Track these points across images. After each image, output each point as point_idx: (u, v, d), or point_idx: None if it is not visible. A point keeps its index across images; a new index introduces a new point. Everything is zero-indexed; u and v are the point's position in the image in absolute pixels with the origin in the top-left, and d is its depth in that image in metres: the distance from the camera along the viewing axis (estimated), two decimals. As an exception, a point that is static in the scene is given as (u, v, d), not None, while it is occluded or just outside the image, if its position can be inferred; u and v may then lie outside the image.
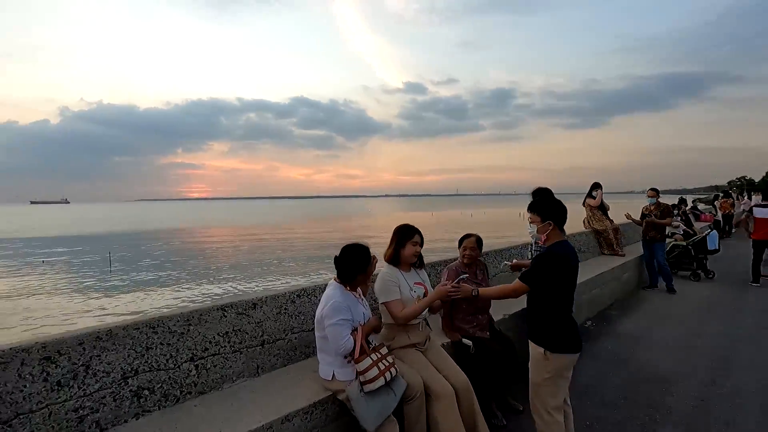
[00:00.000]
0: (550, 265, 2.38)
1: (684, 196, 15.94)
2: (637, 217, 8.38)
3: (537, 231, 2.53)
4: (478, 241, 3.76)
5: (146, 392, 2.44)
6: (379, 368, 2.52)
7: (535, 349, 2.48)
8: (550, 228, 2.50)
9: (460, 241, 3.81)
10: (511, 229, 39.79)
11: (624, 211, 9.23)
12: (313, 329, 3.28)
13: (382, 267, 3.15)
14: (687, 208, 14.97)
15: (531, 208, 2.59)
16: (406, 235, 3.10)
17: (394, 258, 3.09)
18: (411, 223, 3.19)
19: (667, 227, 8.21)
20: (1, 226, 57.72)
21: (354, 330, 2.61)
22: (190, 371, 2.63)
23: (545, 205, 2.56)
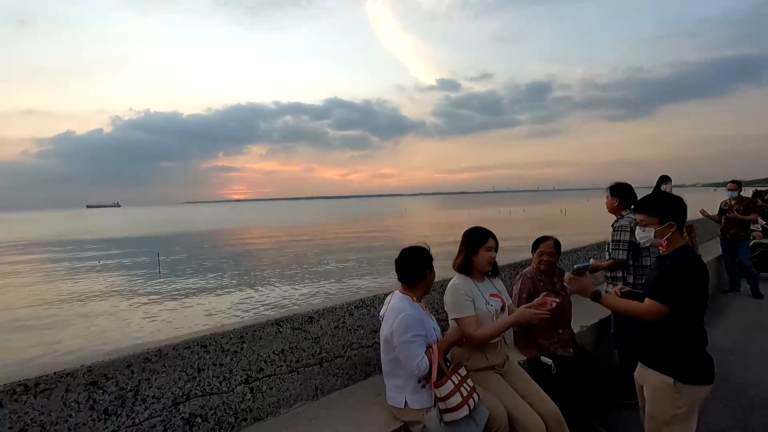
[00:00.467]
0: (693, 278, 1.91)
1: (758, 189, 14.48)
2: (715, 213, 7.53)
3: (654, 235, 2.06)
4: (557, 244, 3.31)
5: (199, 419, 2.19)
6: (461, 394, 2.14)
7: (659, 379, 2.02)
8: (672, 230, 2.03)
9: (535, 245, 3.37)
10: (559, 227, 38.18)
11: (698, 207, 8.35)
12: (373, 345, 2.96)
13: (447, 275, 2.77)
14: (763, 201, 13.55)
15: (644, 208, 2.12)
16: (478, 239, 2.69)
17: (465, 266, 2.69)
18: (483, 226, 2.78)
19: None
20: (63, 229, 61.95)
21: (428, 348, 2.26)
22: (245, 395, 2.37)
23: (664, 203, 2.08)
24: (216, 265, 21.68)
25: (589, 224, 39.45)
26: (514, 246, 9.92)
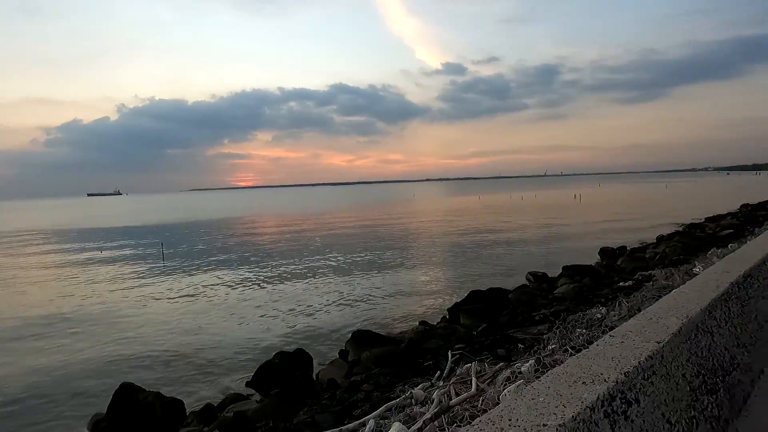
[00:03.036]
0: None
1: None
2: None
3: None
4: None
5: None
6: None
7: None
8: None
9: None
10: (578, 213, 36.80)
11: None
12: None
13: None
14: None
15: None
16: None
17: None
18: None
19: None
20: (64, 219, 61.58)
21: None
22: None
23: None
24: (214, 256, 20.79)
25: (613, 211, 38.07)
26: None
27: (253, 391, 6.66)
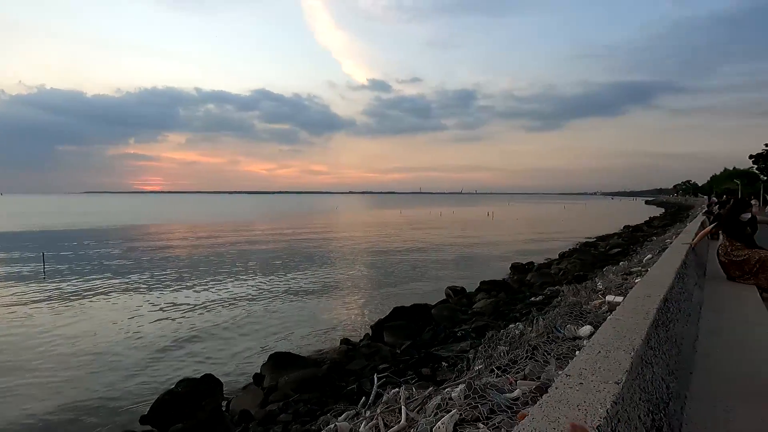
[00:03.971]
0: None
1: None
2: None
3: None
4: None
5: None
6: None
7: None
8: None
9: None
10: (487, 230, 39.24)
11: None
12: None
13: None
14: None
15: None
16: None
17: None
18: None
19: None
20: None
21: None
22: None
23: None
24: (101, 271, 18.46)
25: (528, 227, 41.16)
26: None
27: (150, 428, 5.77)
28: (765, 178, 51.11)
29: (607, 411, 1.22)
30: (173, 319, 11.12)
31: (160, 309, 12.10)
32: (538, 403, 1.35)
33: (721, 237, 6.49)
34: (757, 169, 55.43)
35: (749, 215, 6.43)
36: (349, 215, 68.06)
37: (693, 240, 6.51)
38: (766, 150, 51.32)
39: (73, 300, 13.15)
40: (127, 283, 15.59)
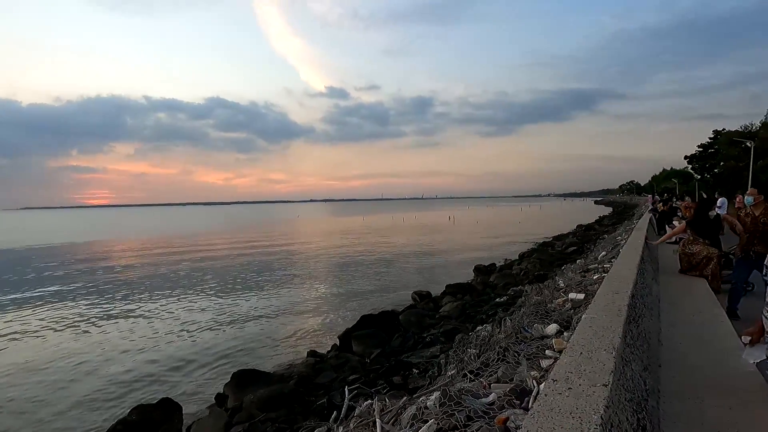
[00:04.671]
0: None
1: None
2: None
3: None
4: None
5: None
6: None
7: None
8: None
9: None
10: (452, 233, 39.88)
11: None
12: None
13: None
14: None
15: None
16: None
17: None
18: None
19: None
20: None
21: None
22: None
23: None
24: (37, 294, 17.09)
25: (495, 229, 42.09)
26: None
27: (99, 463, 5.29)
28: (698, 176, 55.46)
29: (600, 417, 1.16)
30: (123, 340, 10.39)
31: (111, 331, 11.27)
32: (529, 413, 1.28)
33: (687, 232, 6.91)
34: (691, 168, 60.06)
35: (715, 212, 6.86)
36: (310, 224, 67.06)
37: (660, 239, 6.88)
38: (699, 151, 55.71)
39: (7, 324, 11.99)
40: (67, 304, 14.43)
